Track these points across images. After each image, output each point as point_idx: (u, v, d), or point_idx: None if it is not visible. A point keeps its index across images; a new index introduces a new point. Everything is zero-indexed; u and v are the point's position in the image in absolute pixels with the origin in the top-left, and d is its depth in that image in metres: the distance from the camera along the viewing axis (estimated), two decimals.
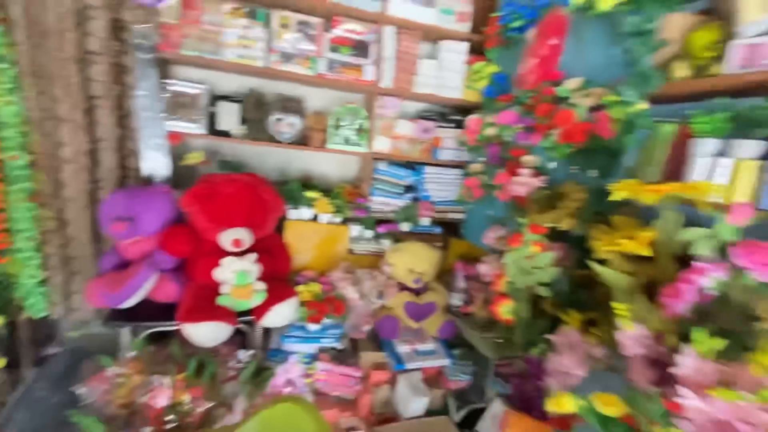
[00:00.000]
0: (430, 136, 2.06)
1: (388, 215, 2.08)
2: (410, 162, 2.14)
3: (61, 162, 1.64)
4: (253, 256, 1.52)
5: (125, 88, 1.71)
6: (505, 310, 1.25)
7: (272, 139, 1.86)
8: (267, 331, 1.74)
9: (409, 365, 1.71)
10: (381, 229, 1.98)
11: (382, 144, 2.00)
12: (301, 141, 1.93)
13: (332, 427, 1.54)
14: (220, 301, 1.43)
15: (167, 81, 1.73)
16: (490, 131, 1.75)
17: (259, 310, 1.49)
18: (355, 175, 2.29)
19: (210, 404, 1.40)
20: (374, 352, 1.78)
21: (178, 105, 1.74)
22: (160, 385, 1.36)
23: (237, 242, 1.49)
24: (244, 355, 1.58)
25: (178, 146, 1.79)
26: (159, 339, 1.51)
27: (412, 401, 1.63)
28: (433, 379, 1.81)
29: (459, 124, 2.10)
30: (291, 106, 1.90)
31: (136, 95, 1.63)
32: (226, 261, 1.47)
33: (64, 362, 1.97)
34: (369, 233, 2.01)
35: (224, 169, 1.84)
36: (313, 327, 1.68)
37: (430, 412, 1.65)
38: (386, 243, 1.99)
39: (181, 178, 1.86)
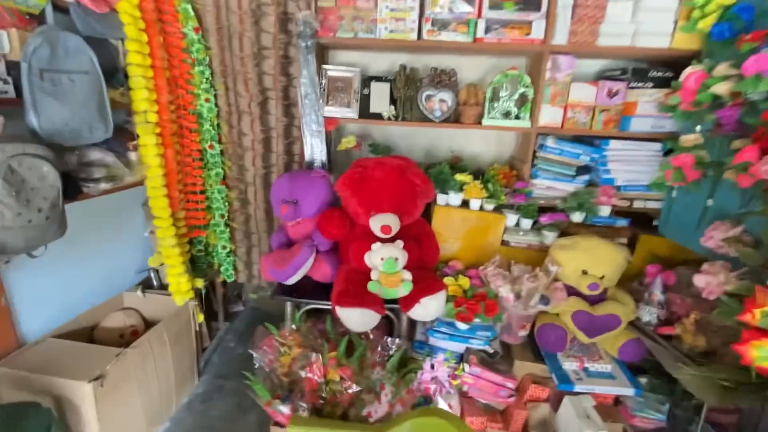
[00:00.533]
0: (617, 101, 1.61)
1: (554, 202, 1.74)
2: (587, 136, 1.73)
3: (243, 150, 1.86)
4: (400, 243, 1.44)
5: (290, 79, 1.82)
6: (762, 354, 0.84)
7: (423, 118, 1.73)
8: (413, 322, 1.67)
9: (579, 387, 1.40)
10: (544, 219, 1.67)
11: (550, 115, 1.66)
12: (453, 118, 1.75)
13: None
14: (370, 287, 1.40)
15: (324, 67, 1.77)
16: (722, 87, 1.23)
17: (407, 301, 1.41)
18: (513, 154, 1.99)
19: (358, 388, 1.41)
20: (532, 363, 1.53)
21: (333, 90, 1.77)
22: (317, 360, 1.43)
23: (385, 228, 1.43)
24: (390, 342, 1.55)
25: (333, 131, 1.84)
26: (317, 314, 1.60)
27: (582, 430, 1.33)
28: (609, 410, 1.45)
29: (661, 83, 1.58)
30: (442, 80, 1.73)
31: (300, 84, 1.71)
32: (374, 247, 1.43)
33: (246, 319, 2.33)
34: (528, 223, 1.72)
35: (375, 153, 1.82)
36: (461, 325, 1.53)
37: None
38: (550, 236, 1.67)
39: (336, 163, 1.92)
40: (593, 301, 1.48)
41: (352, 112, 1.74)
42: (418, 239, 1.56)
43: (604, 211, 1.67)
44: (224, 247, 1.99)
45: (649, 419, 1.40)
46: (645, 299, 1.46)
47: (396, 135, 1.98)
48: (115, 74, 1.54)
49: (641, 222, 1.69)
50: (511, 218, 1.71)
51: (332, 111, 1.74)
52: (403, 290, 1.40)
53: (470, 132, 1.95)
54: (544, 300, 1.41)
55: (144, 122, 1.53)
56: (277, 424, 1.35)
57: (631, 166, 1.64)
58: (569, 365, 1.49)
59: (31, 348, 1.36)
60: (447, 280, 1.54)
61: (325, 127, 1.72)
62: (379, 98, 1.74)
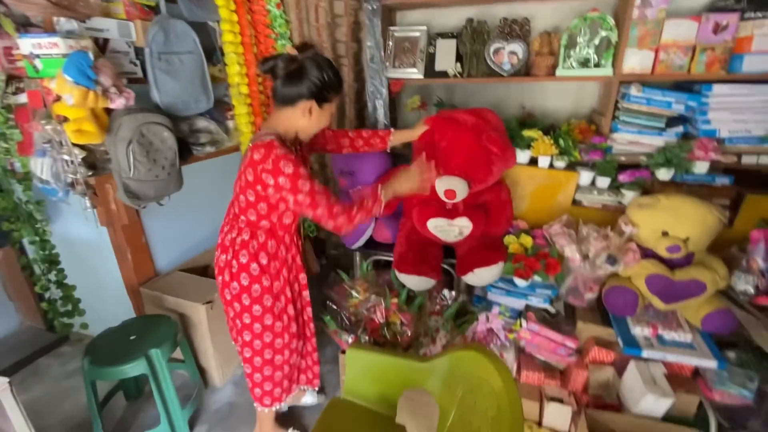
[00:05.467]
0: (725, 37, 1.36)
1: (637, 158, 1.58)
2: (684, 82, 1.51)
3: None
4: (463, 222, 1.47)
5: (361, 45, 1.90)
6: None
7: (490, 73, 1.68)
8: None
9: (648, 353, 1.33)
10: (624, 177, 1.53)
11: (637, 60, 1.48)
12: (524, 71, 1.67)
13: (534, 390, 1.41)
14: None
15: (391, 29, 1.81)
16: None
17: (462, 266, 1.47)
18: (594, 106, 1.83)
19: (417, 332, 1.54)
20: (597, 326, 1.48)
21: (399, 52, 1.81)
22: (379, 304, 1.58)
23: (449, 193, 1.45)
24: (449, 294, 1.63)
25: (402, 94, 1.89)
26: (387, 266, 1.74)
27: (648, 397, 1.27)
28: (683, 381, 1.35)
29: None
30: (513, 30, 1.65)
31: (366, 48, 1.79)
32: (432, 223, 1.49)
33: (328, 270, 2.60)
34: (604, 181, 1.60)
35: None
36: (520, 282, 1.53)
37: (670, 419, 1.26)
38: (630, 195, 1.54)
39: (405, 126, 1.98)
40: (675, 265, 1.35)
41: (417, 72, 1.77)
42: (488, 209, 1.55)
43: (700, 167, 1.47)
44: None
45: (733, 395, 1.27)
46: (742, 267, 1.29)
47: (461, 92, 1.96)
48: (213, 53, 1.80)
49: (750, 180, 1.45)
50: (586, 176, 1.61)
51: (397, 72, 1.79)
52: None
53: (545, 86, 1.83)
54: (611, 259, 1.34)
55: (238, 94, 1.78)
56: (344, 352, 1.55)
57: (740, 115, 1.40)
58: (640, 330, 1.40)
59: (164, 277, 1.75)
60: (508, 238, 1.54)
61: (391, 89, 1.79)
62: (445, 55, 1.74)
